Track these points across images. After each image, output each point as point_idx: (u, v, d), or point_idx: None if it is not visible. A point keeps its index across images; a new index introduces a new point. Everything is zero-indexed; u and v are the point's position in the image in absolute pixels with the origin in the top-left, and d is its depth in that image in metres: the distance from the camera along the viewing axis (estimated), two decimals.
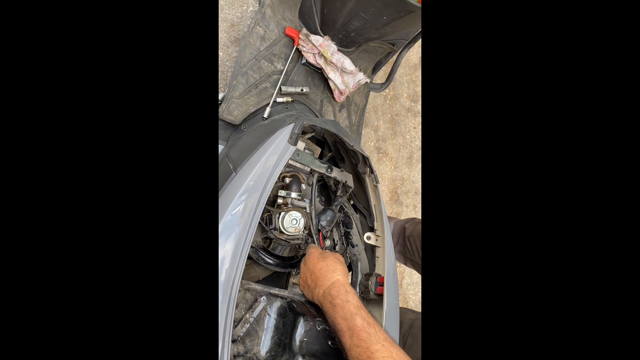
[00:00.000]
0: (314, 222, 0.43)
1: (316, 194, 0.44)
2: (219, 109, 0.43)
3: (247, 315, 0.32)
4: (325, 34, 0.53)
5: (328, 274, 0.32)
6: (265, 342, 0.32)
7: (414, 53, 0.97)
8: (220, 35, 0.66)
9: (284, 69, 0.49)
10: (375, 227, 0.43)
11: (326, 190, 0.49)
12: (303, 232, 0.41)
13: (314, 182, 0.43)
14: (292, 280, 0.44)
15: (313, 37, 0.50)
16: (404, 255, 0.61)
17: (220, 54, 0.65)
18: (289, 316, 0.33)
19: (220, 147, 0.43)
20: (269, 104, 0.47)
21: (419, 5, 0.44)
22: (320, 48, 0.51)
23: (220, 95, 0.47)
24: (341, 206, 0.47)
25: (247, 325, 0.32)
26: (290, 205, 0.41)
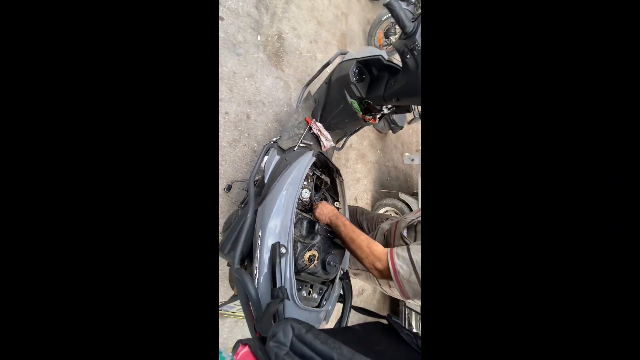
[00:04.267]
0: (313, 196, 0.92)
1: (313, 185, 0.95)
2: (279, 143, 0.94)
3: (297, 222, 0.74)
4: (321, 123, 1.16)
5: (333, 210, 0.70)
6: (304, 230, 0.72)
7: (356, 144, 1.81)
8: (270, 115, 1.24)
9: (303, 133, 1.06)
10: (340, 200, 0.95)
11: (318, 185, 1.00)
12: (309, 199, 0.89)
13: (314, 179, 0.95)
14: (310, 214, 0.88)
15: (317, 123, 1.11)
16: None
17: (275, 125, 1.20)
18: (312, 223, 0.73)
19: (278, 157, 0.91)
20: (296, 145, 1.01)
21: (360, 115, 1.11)
22: (319, 128, 1.12)
23: (277, 138, 0.98)
24: (323, 192, 0.99)
25: (297, 224, 0.73)
26: (304, 188, 0.90)
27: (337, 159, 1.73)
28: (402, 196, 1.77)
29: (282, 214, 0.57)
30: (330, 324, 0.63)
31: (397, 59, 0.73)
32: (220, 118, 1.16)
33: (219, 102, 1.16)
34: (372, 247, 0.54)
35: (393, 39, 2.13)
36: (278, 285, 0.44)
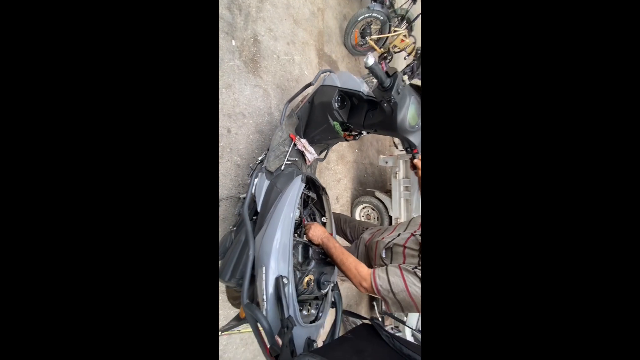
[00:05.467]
0: (302, 213, 1.00)
1: (302, 202, 1.02)
2: (266, 166, 0.97)
3: (293, 250, 0.81)
4: (305, 138, 1.20)
5: (325, 232, 0.77)
6: (299, 256, 0.79)
7: (336, 146, 1.91)
8: (251, 127, 1.22)
9: (288, 150, 1.10)
10: (327, 215, 1.04)
11: (306, 201, 1.08)
12: (299, 217, 0.97)
13: (302, 197, 1.02)
14: (302, 237, 0.96)
15: (301, 139, 1.15)
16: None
17: (257, 136, 1.19)
18: (306, 247, 0.81)
19: (268, 182, 0.95)
20: (283, 164, 1.05)
21: (342, 135, 1.19)
22: (303, 144, 1.16)
23: (262, 157, 1.01)
24: (311, 207, 1.07)
25: (294, 252, 0.81)
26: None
27: (319, 163, 1.80)
28: (378, 194, 1.95)
29: (280, 248, 0.64)
30: (328, 319, 0.76)
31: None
32: None
33: None
34: (359, 269, 0.65)
35: (369, 39, 2.15)
36: (286, 314, 0.53)
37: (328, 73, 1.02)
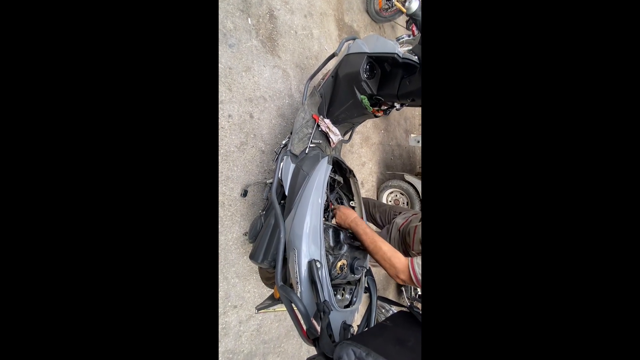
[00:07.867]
0: (329, 197, 0.96)
1: (328, 186, 0.98)
2: (291, 149, 0.94)
3: (324, 234, 0.79)
4: (328, 118, 1.12)
5: (353, 214, 0.75)
6: (331, 240, 0.77)
7: (360, 127, 1.80)
8: (273, 111, 1.19)
9: (312, 132, 1.04)
10: (355, 199, 0.99)
11: (332, 185, 1.04)
12: (326, 201, 0.94)
13: (329, 181, 0.97)
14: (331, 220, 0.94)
15: (325, 119, 1.08)
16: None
17: (280, 120, 1.16)
18: (336, 232, 0.79)
19: (293, 165, 0.93)
20: (307, 146, 1.01)
21: (370, 111, 1.08)
22: (327, 125, 1.09)
23: (286, 140, 0.98)
24: (337, 191, 1.03)
25: (324, 236, 0.78)
26: None
27: (343, 145, 1.73)
28: (408, 177, 1.82)
29: (310, 232, 0.62)
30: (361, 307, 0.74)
31: (409, 46, 0.69)
32: (224, 122, 1.13)
33: (221, 105, 1.11)
34: (393, 260, 0.60)
35: (395, 1, 1.89)
36: (321, 298, 0.52)
37: (352, 40, 0.90)
